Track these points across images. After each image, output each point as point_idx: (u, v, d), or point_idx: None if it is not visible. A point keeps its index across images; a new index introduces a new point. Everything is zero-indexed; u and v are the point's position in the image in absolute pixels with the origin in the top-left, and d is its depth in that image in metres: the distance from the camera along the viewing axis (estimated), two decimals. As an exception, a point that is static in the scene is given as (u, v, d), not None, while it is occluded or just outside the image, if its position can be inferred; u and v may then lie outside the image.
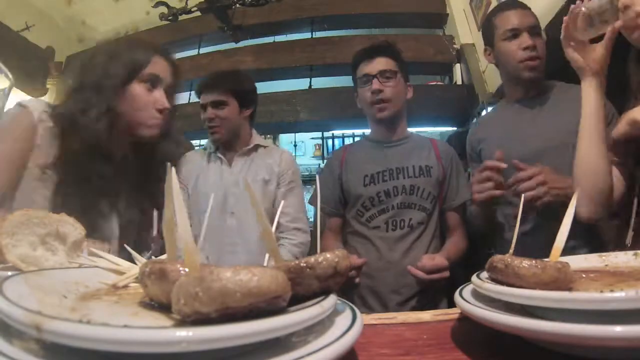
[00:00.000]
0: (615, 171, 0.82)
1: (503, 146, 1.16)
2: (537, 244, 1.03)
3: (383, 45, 1.30)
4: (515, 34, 1.11)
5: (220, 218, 1.34)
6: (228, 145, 1.43)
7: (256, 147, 1.46)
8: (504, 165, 0.96)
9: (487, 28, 1.20)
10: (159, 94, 0.89)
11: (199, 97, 1.44)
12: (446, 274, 1.07)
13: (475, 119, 2.42)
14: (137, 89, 0.87)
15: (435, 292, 1.16)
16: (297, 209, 1.38)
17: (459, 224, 1.24)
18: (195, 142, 3.89)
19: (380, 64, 1.24)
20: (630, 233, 0.80)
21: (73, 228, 0.47)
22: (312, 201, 1.34)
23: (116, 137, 0.85)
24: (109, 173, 0.84)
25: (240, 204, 1.34)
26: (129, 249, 0.48)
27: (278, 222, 1.46)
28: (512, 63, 1.12)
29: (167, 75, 0.91)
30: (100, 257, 0.44)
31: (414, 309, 1.15)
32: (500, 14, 1.16)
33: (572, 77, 1.16)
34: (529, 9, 1.16)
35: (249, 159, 1.43)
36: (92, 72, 0.86)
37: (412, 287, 1.15)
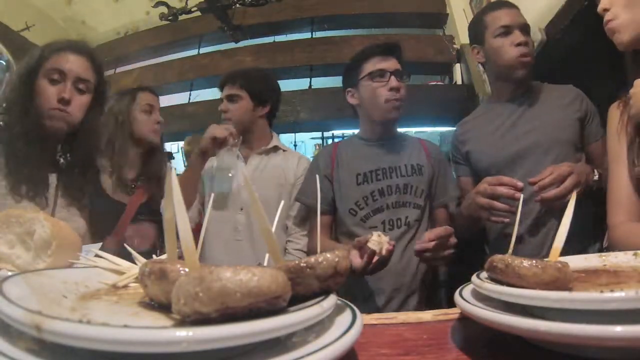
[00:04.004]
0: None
1: (491, 146, 1.16)
2: (529, 246, 1.03)
3: (397, 46, 1.26)
4: (507, 31, 1.12)
5: (230, 213, 1.35)
6: (244, 142, 1.43)
7: (275, 148, 1.47)
8: (518, 195, 0.91)
9: (477, 26, 1.20)
10: (61, 86, 0.96)
11: (221, 92, 1.50)
12: (453, 240, 0.98)
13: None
14: (41, 83, 0.95)
15: (433, 287, 1.18)
16: (307, 213, 1.38)
17: (447, 219, 1.24)
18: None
19: (395, 63, 1.22)
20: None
21: (41, 226, 0.47)
22: (299, 197, 1.30)
23: (35, 131, 0.93)
24: (45, 166, 0.94)
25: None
26: (129, 248, 0.48)
27: (285, 225, 1.39)
28: (505, 59, 1.13)
29: (78, 69, 0.98)
30: (101, 257, 0.44)
31: (415, 306, 1.14)
32: (492, 13, 1.16)
33: (568, 77, 1.17)
34: (519, 9, 1.17)
35: (267, 159, 1.44)
36: (13, 73, 0.97)
37: (412, 285, 1.15)
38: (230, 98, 1.42)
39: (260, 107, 1.44)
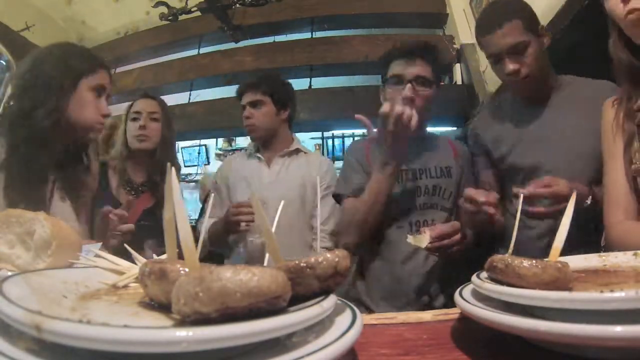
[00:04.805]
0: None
1: (529, 150, 1.07)
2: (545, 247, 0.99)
3: (426, 47, 1.19)
4: (497, 59, 1.05)
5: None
6: (267, 146, 1.51)
7: (297, 151, 1.53)
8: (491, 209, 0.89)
9: (479, 44, 1.13)
10: (103, 102, 1.00)
11: (240, 100, 1.53)
12: (458, 236, 0.97)
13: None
14: (87, 95, 0.97)
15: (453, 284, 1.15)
16: (331, 212, 1.41)
17: None
18: (194, 142, 3.93)
19: (418, 68, 1.14)
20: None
21: (41, 226, 0.47)
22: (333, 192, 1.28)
23: (60, 136, 0.94)
24: (51, 167, 0.94)
25: (275, 202, 1.38)
26: (129, 248, 0.48)
27: (311, 225, 1.44)
28: (504, 82, 1.08)
29: (109, 87, 1.03)
30: (101, 257, 0.44)
31: (441, 305, 1.11)
32: (481, 38, 1.08)
33: (573, 73, 1.15)
34: (509, 21, 1.01)
35: (289, 160, 1.50)
36: (37, 70, 0.94)
37: (436, 288, 1.12)
38: (254, 104, 1.47)
39: (282, 111, 1.50)
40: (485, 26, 1.07)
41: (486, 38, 1.05)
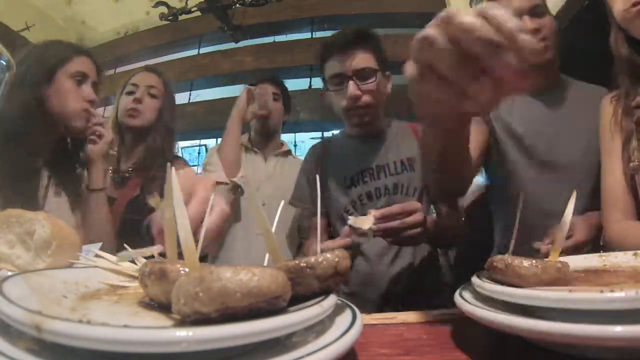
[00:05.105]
0: None
1: (544, 141, 0.97)
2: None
3: (358, 35, 1.06)
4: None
5: (251, 208, 1.39)
6: (265, 141, 1.58)
7: (288, 152, 1.62)
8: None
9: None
10: (86, 88, 0.99)
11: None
12: (414, 218, 0.80)
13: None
14: (66, 83, 0.96)
15: (435, 292, 1.09)
16: None
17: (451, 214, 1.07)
18: (194, 142, 3.92)
19: (357, 60, 1.04)
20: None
21: (41, 226, 0.47)
22: (293, 202, 1.22)
23: (44, 130, 0.94)
24: (37, 164, 0.94)
25: (272, 196, 1.41)
26: (128, 248, 0.48)
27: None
28: None
29: (93, 73, 1.02)
30: (101, 257, 0.44)
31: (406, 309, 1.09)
32: None
33: (573, 72, 1.14)
34: None
35: (281, 160, 1.58)
36: (19, 69, 0.95)
37: (405, 293, 1.06)
38: (275, 97, 1.54)
39: (286, 115, 1.62)
40: None
41: None
